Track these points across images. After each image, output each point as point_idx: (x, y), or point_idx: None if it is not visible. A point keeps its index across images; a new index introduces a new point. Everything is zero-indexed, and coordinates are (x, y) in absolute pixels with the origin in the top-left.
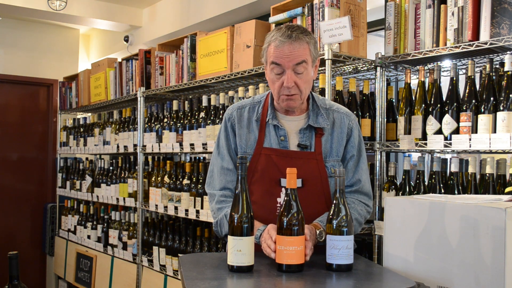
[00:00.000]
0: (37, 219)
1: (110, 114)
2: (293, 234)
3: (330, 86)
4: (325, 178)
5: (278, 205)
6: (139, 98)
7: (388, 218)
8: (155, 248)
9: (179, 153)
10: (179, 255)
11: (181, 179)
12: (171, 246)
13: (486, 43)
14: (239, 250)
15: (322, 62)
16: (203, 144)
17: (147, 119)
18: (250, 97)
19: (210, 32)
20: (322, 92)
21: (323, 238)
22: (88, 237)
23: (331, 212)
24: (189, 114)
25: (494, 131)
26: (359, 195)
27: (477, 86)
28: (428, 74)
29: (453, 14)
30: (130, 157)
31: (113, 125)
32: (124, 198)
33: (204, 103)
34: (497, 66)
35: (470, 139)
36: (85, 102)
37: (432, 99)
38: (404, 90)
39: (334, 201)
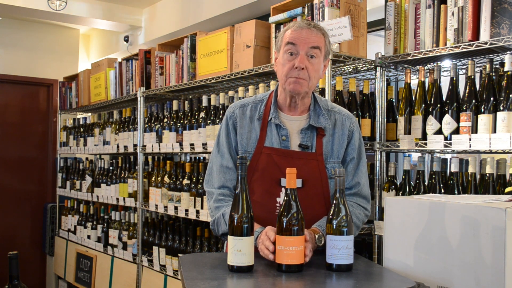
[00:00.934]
0: (37, 219)
1: (110, 114)
2: (293, 234)
3: (330, 86)
4: (325, 179)
5: (278, 204)
6: (139, 98)
7: (388, 218)
8: (155, 248)
9: (179, 153)
10: (179, 255)
11: (181, 179)
12: (171, 246)
13: (486, 43)
14: (239, 250)
15: None
16: (203, 144)
17: (147, 119)
18: (250, 96)
19: (210, 32)
20: (322, 92)
21: (322, 243)
22: (88, 237)
23: (331, 212)
24: (189, 114)
25: (494, 131)
26: (357, 198)
27: (477, 86)
28: (428, 74)
29: (453, 14)
30: (130, 157)
31: (113, 125)
32: (124, 198)
33: (204, 103)
34: (497, 66)
35: (470, 139)
36: (85, 102)
37: (432, 99)
38: (404, 90)
39: (334, 201)
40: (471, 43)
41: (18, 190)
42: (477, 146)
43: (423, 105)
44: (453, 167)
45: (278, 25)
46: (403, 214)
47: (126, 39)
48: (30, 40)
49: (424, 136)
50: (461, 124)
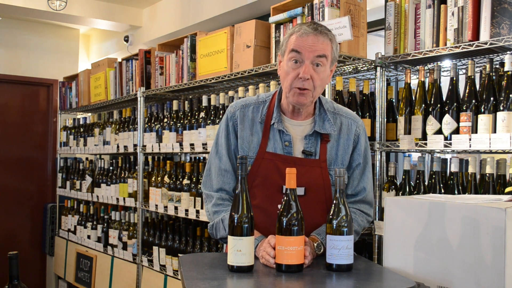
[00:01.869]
0: (37, 219)
1: (110, 114)
2: (292, 234)
3: (330, 86)
4: (328, 187)
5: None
6: (139, 98)
7: (388, 218)
8: (155, 248)
9: (179, 153)
10: (179, 255)
11: (181, 179)
12: (171, 246)
13: (486, 43)
14: (239, 250)
15: None
16: (203, 144)
17: (147, 119)
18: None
19: (210, 32)
20: (322, 92)
21: (322, 251)
22: (88, 237)
23: (331, 212)
24: (189, 114)
25: (494, 131)
26: (361, 205)
27: (477, 86)
28: (428, 74)
29: (453, 14)
30: (130, 157)
31: (113, 125)
32: (124, 198)
33: (204, 103)
34: (497, 66)
35: (470, 139)
36: (85, 102)
37: (432, 99)
38: (404, 90)
39: (334, 201)
40: (471, 43)
41: (18, 190)
42: (477, 146)
43: (423, 105)
44: (453, 167)
45: (278, 25)
46: (403, 214)
47: (126, 39)
48: (30, 40)
49: (424, 136)
50: (461, 124)
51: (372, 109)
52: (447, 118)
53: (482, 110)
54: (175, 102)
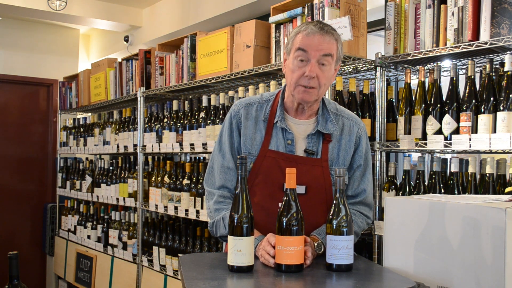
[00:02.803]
0: (37, 219)
1: (110, 114)
2: (292, 234)
3: (330, 86)
4: (329, 186)
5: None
6: (139, 98)
7: (388, 218)
8: (155, 248)
9: (179, 153)
10: (179, 255)
11: (181, 179)
12: (171, 246)
13: (486, 43)
14: (239, 250)
15: None
16: (203, 144)
17: (147, 119)
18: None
19: (210, 32)
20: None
21: (322, 251)
22: (88, 237)
23: (331, 212)
24: (189, 114)
25: (494, 131)
26: (361, 206)
27: (477, 86)
28: (428, 74)
29: (453, 14)
30: (130, 157)
31: (113, 125)
32: (124, 198)
33: (204, 103)
34: (497, 66)
35: (470, 139)
36: (85, 102)
37: (432, 99)
38: (404, 90)
39: (334, 201)
40: (471, 43)
41: (18, 190)
42: (477, 146)
43: (423, 105)
44: (453, 167)
45: (278, 25)
46: (403, 214)
47: (126, 39)
48: (30, 40)
49: (424, 136)
50: (461, 124)
51: (372, 109)
52: (447, 118)
53: (482, 110)
54: (175, 102)
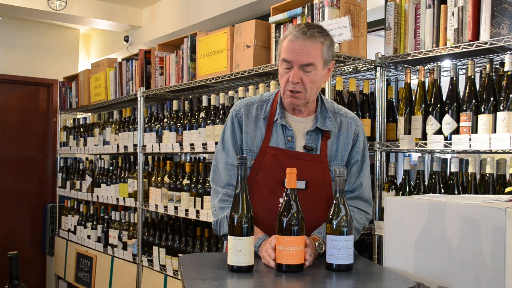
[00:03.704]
0: (37, 219)
1: (110, 114)
2: (292, 234)
3: (330, 86)
4: (329, 182)
5: (280, 205)
6: (139, 98)
7: (388, 218)
8: (155, 248)
9: (179, 153)
10: (179, 255)
11: (181, 179)
12: (171, 246)
13: (486, 43)
14: (239, 250)
15: None
16: (203, 144)
17: (147, 119)
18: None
19: (210, 32)
20: (322, 92)
21: (323, 250)
22: (88, 237)
23: (331, 212)
24: (189, 114)
25: (494, 131)
26: (359, 202)
27: (477, 86)
28: (428, 74)
29: (453, 14)
30: (130, 157)
31: (113, 125)
32: (124, 198)
33: (204, 103)
34: (497, 66)
35: (470, 139)
36: (85, 102)
37: (432, 99)
38: (404, 90)
39: (334, 201)
40: (471, 43)
41: (18, 190)
42: (477, 146)
43: (423, 105)
44: (453, 167)
45: (278, 25)
46: (403, 214)
47: (126, 39)
48: (30, 40)
49: (424, 136)
50: (461, 124)
51: (372, 109)
52: (447, 118)
53: (482, 110)
54: (175, 102)
